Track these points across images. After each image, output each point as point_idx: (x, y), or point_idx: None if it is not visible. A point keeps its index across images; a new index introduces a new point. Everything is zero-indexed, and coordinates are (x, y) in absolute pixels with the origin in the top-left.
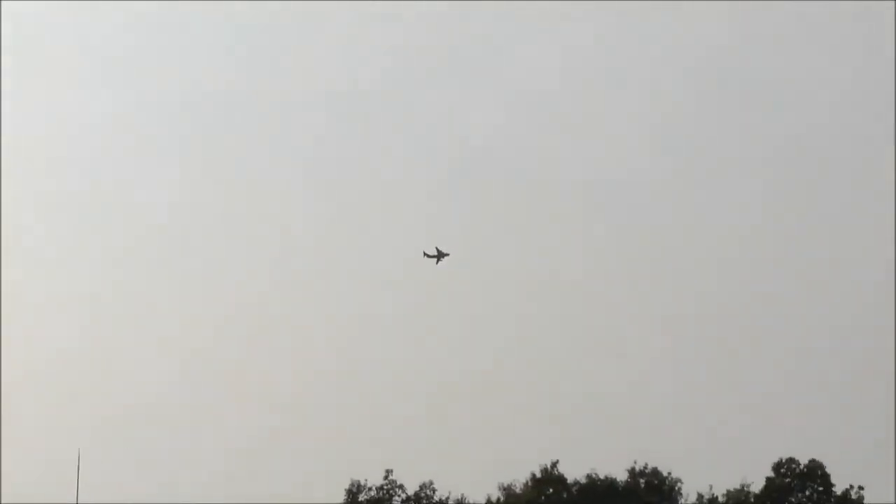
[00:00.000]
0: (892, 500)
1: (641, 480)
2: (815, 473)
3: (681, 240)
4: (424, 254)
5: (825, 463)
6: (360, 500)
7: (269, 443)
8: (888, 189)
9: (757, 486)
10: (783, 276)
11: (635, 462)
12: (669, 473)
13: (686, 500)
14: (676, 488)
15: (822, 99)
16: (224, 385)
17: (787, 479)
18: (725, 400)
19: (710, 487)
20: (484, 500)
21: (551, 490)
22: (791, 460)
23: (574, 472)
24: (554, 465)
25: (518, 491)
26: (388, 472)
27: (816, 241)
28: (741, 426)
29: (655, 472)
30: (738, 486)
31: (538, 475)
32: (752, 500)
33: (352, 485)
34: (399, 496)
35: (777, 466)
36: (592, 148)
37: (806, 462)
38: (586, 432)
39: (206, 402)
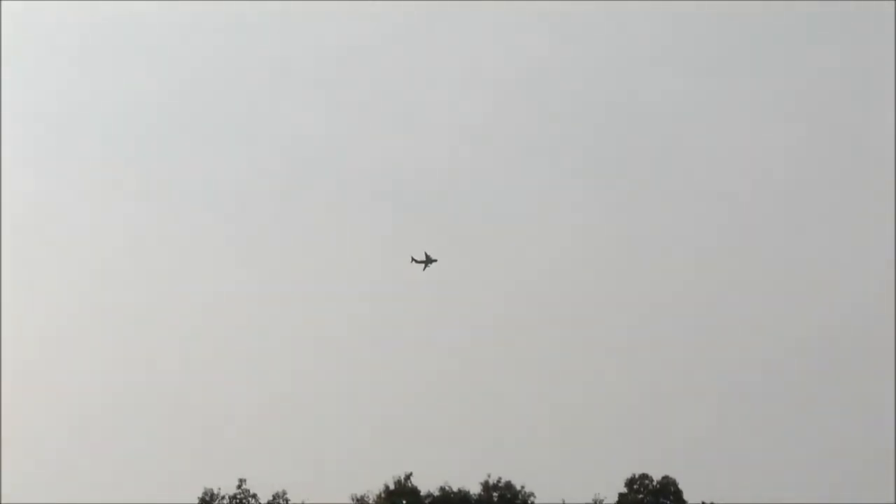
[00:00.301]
0: None
1: (495, 494)
2: (668, 489)
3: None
4: (412, 259)
5: (678, 479)
6: None
7: (124, 448)
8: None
9: (610, 500)
10: (623, 286)
11: (489, 475)
12: (523, 487)
13: None
14: (529, 502)
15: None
16: (91, 389)
17: (640, 495)
18: (579, 415)
19: (563, 501)
20: None
21: (405, 502)
22: (644, 476)
23: (427, 484)
24: (408, 477)
25: (371, 502)
26: (242, 480)
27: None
28: (594, 441)
29: (509, 485)
30: (590, 501)
31: (391, 487)
32: None
33: (205, 493)
34: None
35: (630, 482)
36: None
37: (659, 478)
38: (440, 445)
39: (73, 406)
